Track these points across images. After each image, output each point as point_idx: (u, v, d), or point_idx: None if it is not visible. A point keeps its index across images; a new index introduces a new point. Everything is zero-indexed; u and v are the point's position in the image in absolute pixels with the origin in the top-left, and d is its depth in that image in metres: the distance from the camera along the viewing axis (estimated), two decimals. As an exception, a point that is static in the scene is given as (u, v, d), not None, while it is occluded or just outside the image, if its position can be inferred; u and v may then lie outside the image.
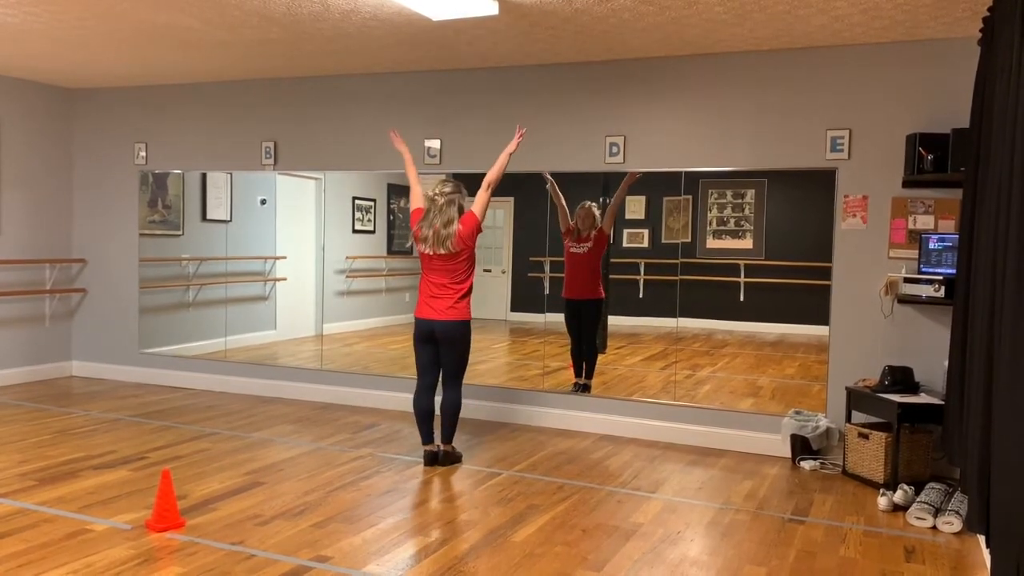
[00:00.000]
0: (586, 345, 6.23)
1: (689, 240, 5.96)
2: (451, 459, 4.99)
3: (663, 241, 6.10)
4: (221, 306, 7.33)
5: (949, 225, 4.99)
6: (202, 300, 7.40)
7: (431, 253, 4.82)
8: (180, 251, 7.40)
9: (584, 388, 6.12)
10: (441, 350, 4.91)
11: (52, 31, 5.40)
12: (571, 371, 6.25)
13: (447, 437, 4.99)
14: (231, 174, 7.20)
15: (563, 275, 6.22)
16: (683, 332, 5.96)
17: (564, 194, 6.09)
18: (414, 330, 4.95)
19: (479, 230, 4.86)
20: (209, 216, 7.33)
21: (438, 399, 5.01)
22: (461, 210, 4.85)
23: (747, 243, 5.90)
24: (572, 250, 6.16)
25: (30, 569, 3.32)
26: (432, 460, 4.98)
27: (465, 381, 5.26)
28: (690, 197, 5.90)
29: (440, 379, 5.01)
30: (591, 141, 5.88)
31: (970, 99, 4.38)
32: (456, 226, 4.78)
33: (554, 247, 6.25)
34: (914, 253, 5.06)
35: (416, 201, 5.03)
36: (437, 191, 4.86)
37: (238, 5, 4.66)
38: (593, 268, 6.14)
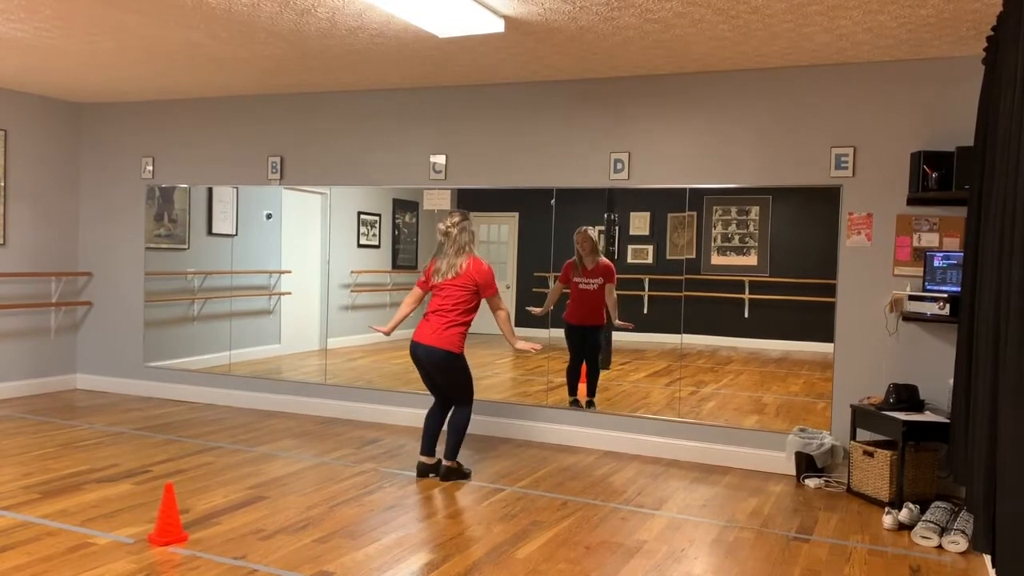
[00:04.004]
0: (588, 365, 6.22)
1: (693, 256, 5.95)
2: (453, 475, 4.98)
3: (667, 257, 6.10)
4: (226, 320, 7.34)
5: (954, 243, 4.99)
6: (207, 314, 7.41)
7: (441, 281, 4.88)
8: (185, 265, 7.42)
9: (588, 405, 6.11)
10: (435, 375, 4.94)
11: (61, 46, 5.44)
12: (581, 386, 6.24)
13: (448, 453, 4.99)
14: (237, 188, 7.23)
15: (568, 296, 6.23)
16: (687, 348, 5.95)
17: (569, 210, 6.11)
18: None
19: (491, 287, 4.89)
20: (215, 230, 7.36)
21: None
22: (472, 236, 4.93)
23: (751, 260, 5.90)
24: (581, 286, 6.16)
25: (32, 582, 3.32)
26: (423, 472, 5.00)
27: (468, 396, 5.26)
28: (695, 213, 5.91)
29: None
30: (596, 157, 5.90)
31: (974, 117, 4.40)
32: (465, 260, 4.86)
33: (558, 263, 6.26)
34: (919, 271, 5.05)
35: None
36: (449, 223, 4.92)
37: (246, 22, 4.70)
38: (600, 300, 6.14)
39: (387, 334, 5.10)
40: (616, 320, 6.13)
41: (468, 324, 4.93)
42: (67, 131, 7.60)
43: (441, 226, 4.96)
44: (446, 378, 4.91)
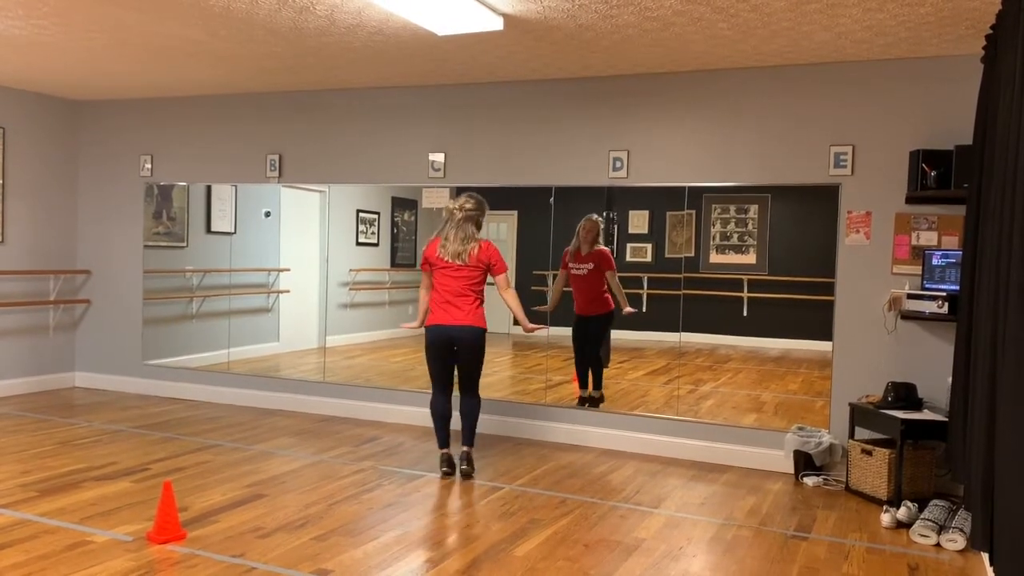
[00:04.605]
0: (589, 356, 6.21)
1: (692, 255, 5.95)
2: (472, 463, 5.00)
3: (666, 256, 6.10)
4: (224, 318, 7.34)
5: (952, 241, 4.99)
6: (206, 312, 7.41)
7: (449, 261, 4.88)
8: (184, 263, 7.42)
9: (592, 401, 6.09)
10: (459, 358, 4.94)
11: (59, 43, 5.43)
12: (574, 385, 6.24)
13: (470, 440, 5.03)
14: (236, 186, 7.22)
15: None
16: (686, 347, 5.95)
17: (568, 208, 6.11)
18: (429, 339, 4.97)
19: (501, 263, 4.96)
20: (213, 228, 7.35)
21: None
22: (479, 226, 4.96)
23: (750, 258, 5.90)
24: (573, 271, 6.17)
25: (30, 580, 3.32)
26: (450, 463, 5.01)
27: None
28: (693, 212, 5.91)
29: (457, 388, 5.06)
30: (595, 156, 5.90)
31: (973, 116, 4.39)
32: (475, 246, 4.89)
33: (557, 261, 6.25)
34: (917, 269, 5.06)
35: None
36: (458, 205, 4.93)
37: (244, 19, 4.69)
38: (596, 287, 6.12)
39: (420, 326, 5.13)
40: (625, 308, 6.11)
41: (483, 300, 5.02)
42: (65, 129, 7.59)
43: (450, 204, 4.97)
44: (476, 358, 4.96)
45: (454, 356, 4.96)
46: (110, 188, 7.59)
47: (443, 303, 4.92)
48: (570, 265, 6.15)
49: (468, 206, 4.92)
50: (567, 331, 6.27)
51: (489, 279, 5.05)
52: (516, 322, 5.14)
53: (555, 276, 6.27)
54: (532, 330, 5.10)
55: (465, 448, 5.02)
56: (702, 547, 3.97)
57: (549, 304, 6.28)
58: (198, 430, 6.08)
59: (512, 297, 5.00)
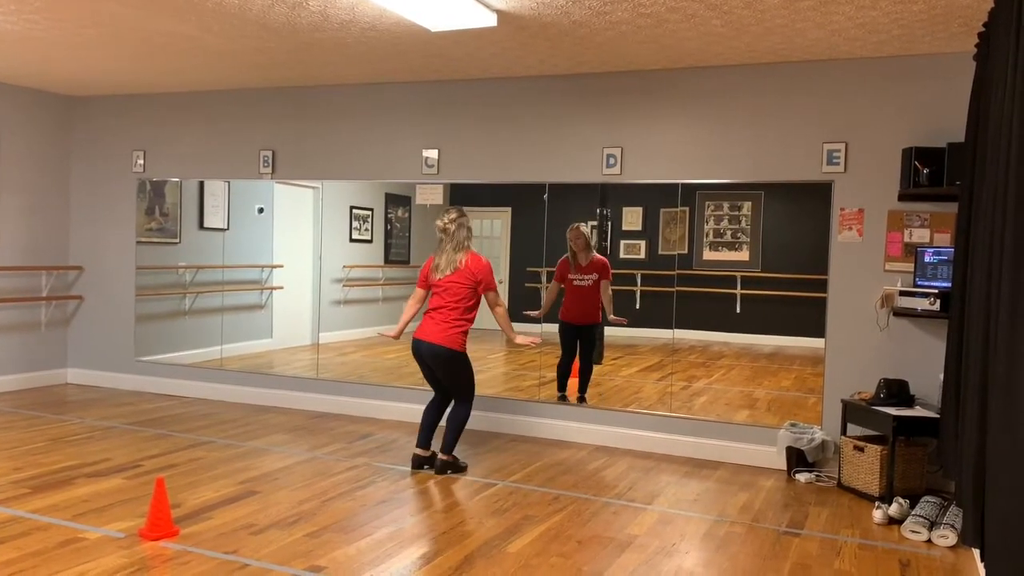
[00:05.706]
0: (582, 361, 6.20)
1: (686, 251, 5.96)
2: (449, 468, 4.99)
3: (660, 252, 6.10)
4: (217, 314, 7.32)
5: (944, 238, 5.01)
6: (199, 308, 7.39)
7: (440, 278, 4.91)
8: (177, 259, 7.40)
9: (580, 400, 6.11)
10: (436, 372, 4.97)
11: (52, 38, 5.41)
12: (571, 381, 6.24)
13: (446, 447, 5.00)
14: (229, 182, 7.20)
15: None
16: (679, 343, 5.96)
17: (561, 205, 6.10)
18: (412, 350, 5.02)
19: (490, 282, 4.93)
20: (206, 224, 7.33)
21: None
22: (469, 232, 4.98)
23: (743, 255, 5.91)
24: (575, 283, 6.15)
25: (22, 577, 3.31)
26: (418, 464, 5.04)
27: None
28: (687, 209, 5.91)
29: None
30: (588, 152, 5.90)
31: (966, 113, 4.41)
32: (464, 256, 4.90)
33: (551, 258, 6.25)
34: (910, 266, 5.07)
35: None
36: (447, 220, 4.96)
37: (238, 15, 4.68)
38: (596, 297, 6.13)
39: (396, 338, 5.14)
40: (611, 316, 6.12)
41: (470, 322, 4.96)
42: (58, 124, 7.55)
43: (439, 223, 5.00)
44: (448, 375, 4.96)
45: (432, 368, 5.00)
46: (103, 184, 7.56)
47: (425, 314, 4.99)
48: (572, 278, 6.14)
49: (452, 216, 4.97)
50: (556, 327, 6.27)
51: None
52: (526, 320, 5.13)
53: (549, 274, 6.27)
54: (523, 345, 5.03)
55: (442, 456, 5.01)
56: (695, 543, 3.98)
57: (541, 310, 6.28)
58: (191, 427, 6.07)
59: (500, 314, 4.97)
